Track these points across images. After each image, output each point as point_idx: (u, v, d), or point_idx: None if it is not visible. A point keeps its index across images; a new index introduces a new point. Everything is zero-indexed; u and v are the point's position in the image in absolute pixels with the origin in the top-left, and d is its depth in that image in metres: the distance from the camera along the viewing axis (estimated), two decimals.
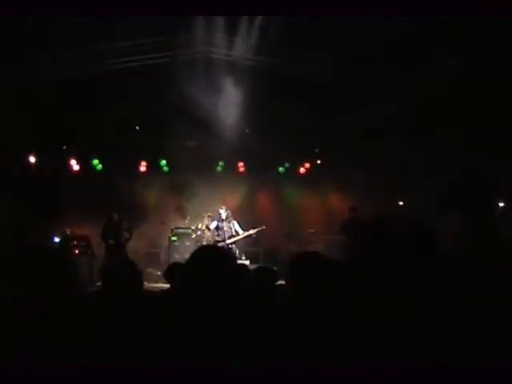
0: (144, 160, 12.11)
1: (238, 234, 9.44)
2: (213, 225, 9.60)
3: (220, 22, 8.83)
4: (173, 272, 4.20)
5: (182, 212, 11.45)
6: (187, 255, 1.99)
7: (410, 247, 1.39)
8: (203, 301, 1.77)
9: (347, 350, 1.35)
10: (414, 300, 1.34)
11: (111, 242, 9.36)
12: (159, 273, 8.77)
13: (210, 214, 9.91)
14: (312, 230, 11.28)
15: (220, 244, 8.92)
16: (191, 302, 1.79)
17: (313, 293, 2.17)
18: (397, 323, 1.31)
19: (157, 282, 8.58)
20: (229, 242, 9.19)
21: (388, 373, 1.25)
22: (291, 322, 1.92)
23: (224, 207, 9.51)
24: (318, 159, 12.58)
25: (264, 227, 9.63)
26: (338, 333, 1.44)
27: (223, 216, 9.39)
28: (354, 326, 1.39)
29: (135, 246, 9.99)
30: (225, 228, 9.33)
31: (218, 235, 9.43)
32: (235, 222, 9.53)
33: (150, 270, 9.66)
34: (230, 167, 12.28)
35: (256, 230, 9.51)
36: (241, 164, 12.37)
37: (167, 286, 4.38)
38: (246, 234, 9.45)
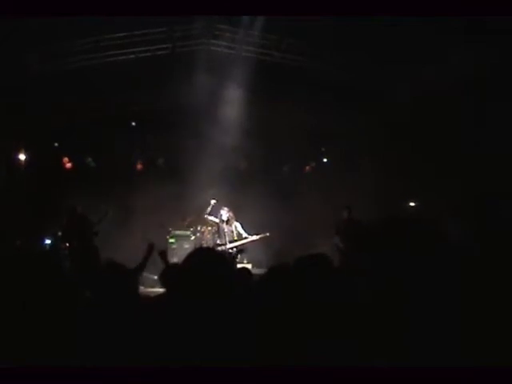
0: (141, 158, 12.09)
1: (240, 236, 9.28)
2: (212, 218, 9.48)
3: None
4: (168, 275, 4.21)
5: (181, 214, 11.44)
6: None
7: (410, 250, 1.45)
8: (199, 305, 1.79)
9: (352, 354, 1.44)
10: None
11: (74, 241, 8.39)
12: (155, 277, 8.77)
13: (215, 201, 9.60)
14: (318, 232, 11.20)
15: (221, 248, 8.83)
16: (186, 306, 1.81)
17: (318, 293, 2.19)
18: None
19: (153, 286, 8.60)
20: (229, 246, 9.04)
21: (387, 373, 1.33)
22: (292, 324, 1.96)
23: (226, 208, 9.29)
24: (325, 158, 12.56)
25: (268, 234, 9.42)
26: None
27: (224, 218, 9.20)
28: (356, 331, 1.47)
29: (130, 248, 9.95)
30: (225, 230, 9.14)
31: (218, 237, 9.32)
32: (238, 224, 9.37)
33: (145, 274, 9.61)
34: (233, 166, 12.20)
35: (259, 236, 9.31)
36: (244, 163, 12.34)
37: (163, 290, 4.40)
38: (249, 239, 9.27)
